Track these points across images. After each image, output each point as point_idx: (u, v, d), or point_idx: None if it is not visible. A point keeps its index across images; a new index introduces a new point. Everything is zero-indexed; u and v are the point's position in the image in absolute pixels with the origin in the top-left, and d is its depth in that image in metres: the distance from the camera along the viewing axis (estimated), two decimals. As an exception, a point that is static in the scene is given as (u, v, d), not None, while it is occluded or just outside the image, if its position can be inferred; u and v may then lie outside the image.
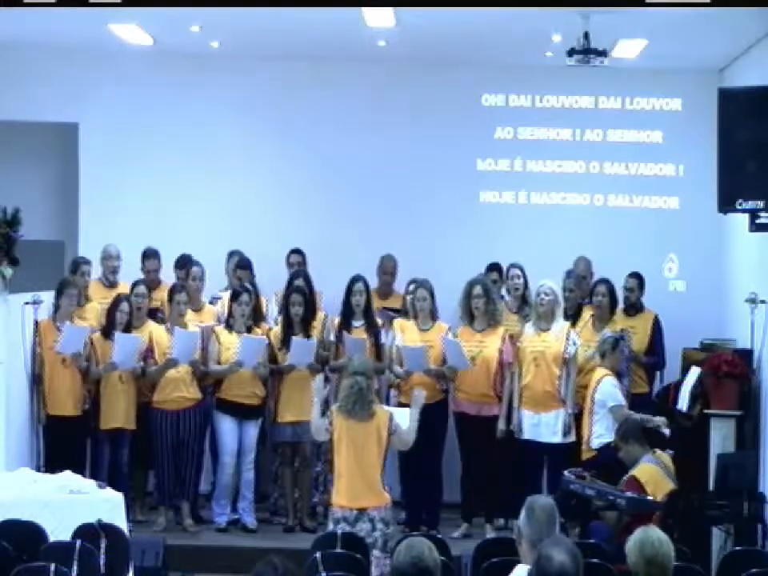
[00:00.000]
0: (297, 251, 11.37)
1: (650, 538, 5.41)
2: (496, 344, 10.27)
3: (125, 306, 10.32)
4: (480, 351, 10.23)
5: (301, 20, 10.04)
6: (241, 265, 11.12)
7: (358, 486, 8.13)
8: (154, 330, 10.49)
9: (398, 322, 10.59)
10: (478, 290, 10.28)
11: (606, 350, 10.06)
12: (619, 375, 10.17)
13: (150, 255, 11.25)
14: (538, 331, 10.25)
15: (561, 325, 10.28)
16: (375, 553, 7.90)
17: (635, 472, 8.90)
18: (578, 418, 10.15)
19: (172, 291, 10.53)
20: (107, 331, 10.32)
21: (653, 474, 8.89)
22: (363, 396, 8.13)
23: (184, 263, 11.15)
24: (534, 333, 10.26)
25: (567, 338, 10.21)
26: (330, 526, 8.15)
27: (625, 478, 8.92)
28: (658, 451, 9.14)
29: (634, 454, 9.06)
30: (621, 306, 11.02)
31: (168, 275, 11.27)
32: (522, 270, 10.89)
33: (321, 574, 6.97)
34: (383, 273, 11.44)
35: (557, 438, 10.13)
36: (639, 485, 8.78)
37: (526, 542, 5.01)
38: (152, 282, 11.10)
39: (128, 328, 10.34)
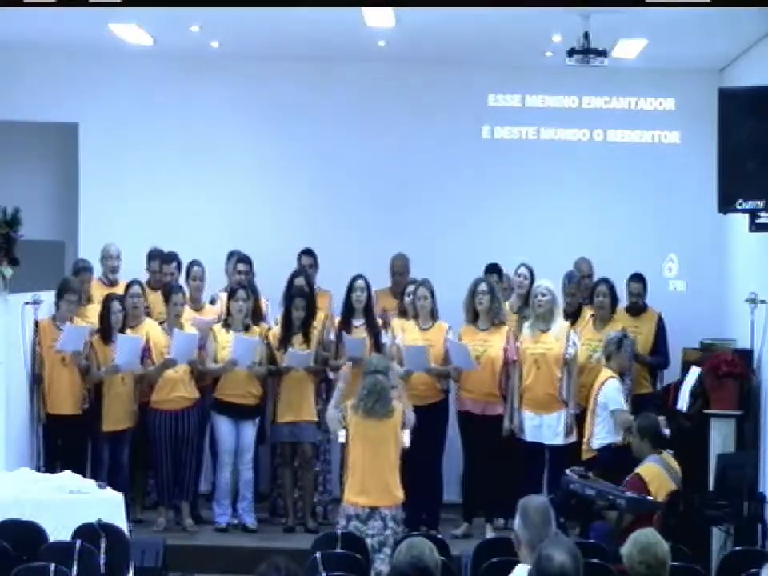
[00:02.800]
0: (308, 252, 11.22)
1: (643, 534, 5.48)
2: (500, 343, 10.25)
3: (116, 305, 10.23)
4: (485, 350, 10.22)
5: (301, 20, 10.04)
6: (240, 259, 11.07)
7: (372, 484, 8.17)
8: (150, 329, 10.44)
9: (398, 321, 10.59)
10: (483, 286, 10.28)
11: (611, 351, 9.98)
12: (621, 375, 10.15)
13: (155, 256, 11.23)
14: (537, 333, 10.23)
15: (560, 325, 10.27)
16: (386, 551, 7.91)
17: (640, 470, 8.90)
18: (579, 417, 10.15)
19: (169, 292, 10.51)
20: (104, 335, 10.27)
21: (657, 474, 8.88)
22: (385, 394, 8.20)
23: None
24: (533, 334, 10.24)
25: (567, 339, 10.19)
26: (342, 522, 8.19)
27: (628, 477, 8.92)
28: (665, 453, 9.12)
29: (643, 451, 9.06)
30: (622, 304, 11.01)
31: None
32: (531, 271, 10.83)
33: (321, 574, 6.97)
34: (394, 272, 11.38)
35: (559, 440, 10.13)
36: (643, 483, 8.78)
37: (525, 546, 4.99)
38: (157, 283, 11.08)
39: (123, 328, 10.28)
